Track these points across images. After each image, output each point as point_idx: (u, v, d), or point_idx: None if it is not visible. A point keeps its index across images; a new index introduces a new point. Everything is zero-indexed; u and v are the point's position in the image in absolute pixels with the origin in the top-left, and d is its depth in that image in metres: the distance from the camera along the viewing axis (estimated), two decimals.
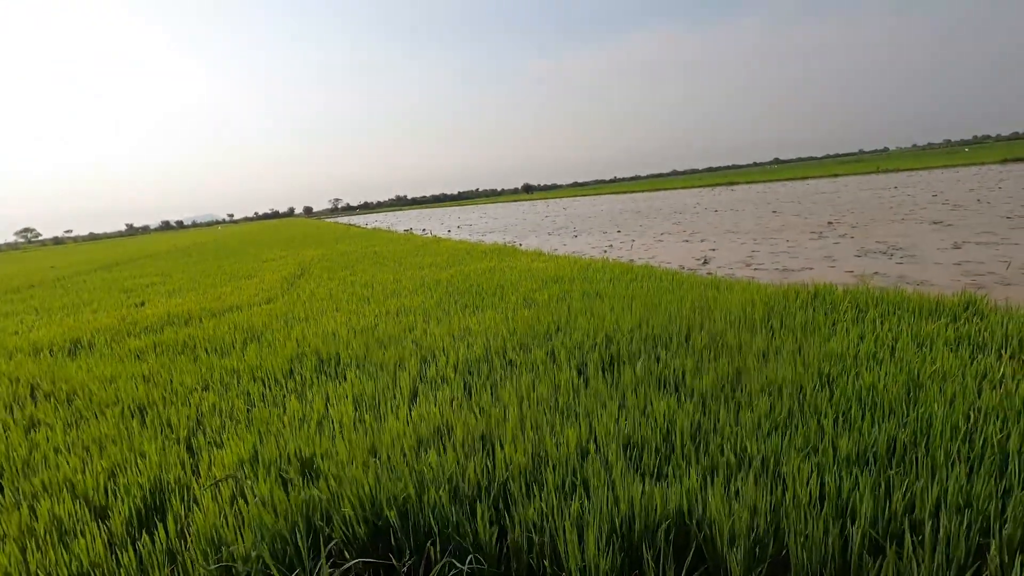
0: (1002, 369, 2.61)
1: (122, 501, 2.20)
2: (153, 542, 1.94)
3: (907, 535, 1.56)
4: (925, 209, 14.05)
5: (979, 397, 2.36)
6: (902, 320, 3.64)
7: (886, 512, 1.69)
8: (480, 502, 1.96)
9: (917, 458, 1.95)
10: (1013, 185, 19.06)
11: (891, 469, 1.93)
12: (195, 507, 2.11)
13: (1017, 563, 1.42)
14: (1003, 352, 2.90)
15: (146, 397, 3.48)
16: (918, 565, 1.48)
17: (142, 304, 7.87)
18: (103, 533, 2.03)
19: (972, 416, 2.19)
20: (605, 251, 11.91)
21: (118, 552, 1.95)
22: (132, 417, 3.20)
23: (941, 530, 1.56)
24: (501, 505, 1.98)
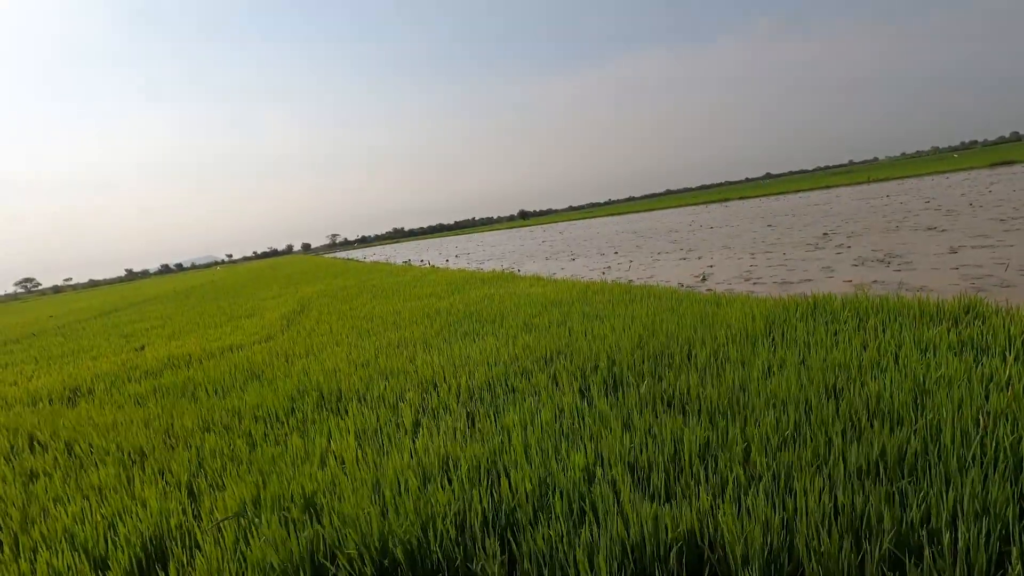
0: (1008, 371, 2.59)
1: (122, 551, 2.15)
2: None
3: (925, 547, 1.52)
4: (919, 216, 14.14)
5: (987, 401, 2.33)
6: (904, 327, 3.62)
7: (902, 524, 1.65)
8: (488, 534, 1.92)
9: (929, 466, 1.92)
10: (1003, 188, 19.23)
11: (903, 479, 1.90)
12: (197, 553, 2.06)
13: None
14: (1007, 354, 2.88)
15: (146, 442, 3.43)
16: None
17: (142, 348, 7.84)
18: None
19: (982, 420, 2.16)
20: (603, 273, 11.93)
21: None
22: (132, 464, 3.16)
23: (960, 540, 1.52)
24: (509, 535, 1.93)
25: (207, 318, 10.93)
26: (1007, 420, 2.13)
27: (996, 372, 2.61)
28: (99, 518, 2.44)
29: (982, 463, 1.91)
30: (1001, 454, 1.92)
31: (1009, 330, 3.21)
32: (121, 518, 2.43)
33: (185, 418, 3.79)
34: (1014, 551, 1.47)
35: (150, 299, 23.76)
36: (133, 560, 2.12)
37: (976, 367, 2.71)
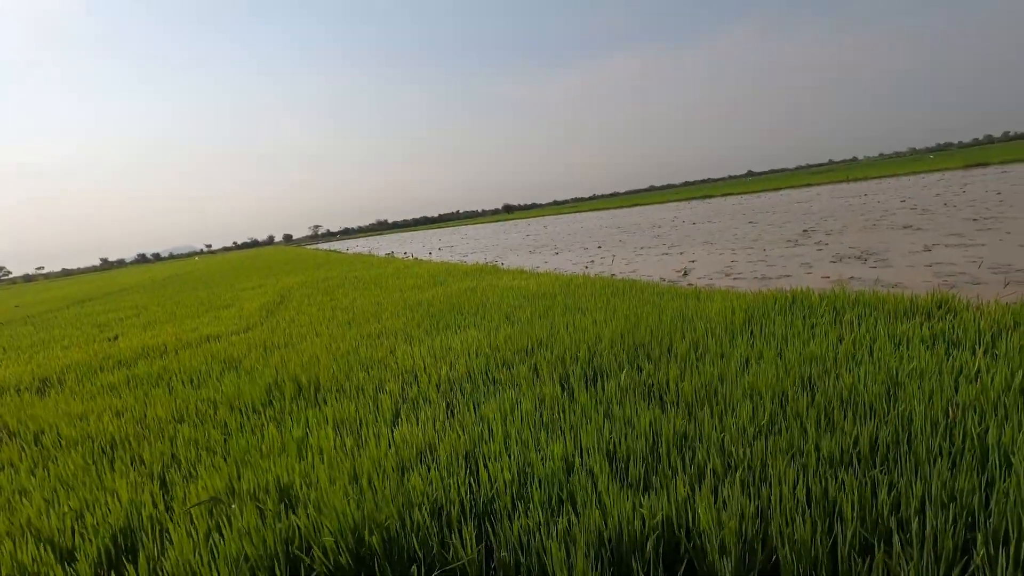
0: (977, 364, 2.65)
1: (90, 542, 2.10)
2: None
3: (895, 533, 1.55)
4: (895, 215, 14.41)
5: (956, 392, 2.39)
6: (878, 321, 3.69)
7: (873, 511, 1.68)
8: (465, 522, 1.91)
9: (900, 456, 1.95)
10: (976, 189, 19.70)
11: (875, 468, 1.94)
12: (168, 544, 2.02)
13: (1002, 556, 1.41)
14: (977, 347, 2.94)
15: (118, 432, 3.36)
16: (907, 563, 1.47)
17: (116, 338, 7.67)
18: None
19: (951, 411, 2.21)
20: (586, 267, 11.97)
21: None
22: (103, 454, 3.08)
23: (928, 526, 1.55)
24: (487, 524, 1.93)
25: (184, 308, 10.73)
26: (975, 411, 2.18)
27: (966, 365, 2.67)
28: (67, 509, 2.38)
29: (951, 453, 1.95)
30: (969, 444, 1.96)
31: (979, 325, 3.28)
32: (90, 509, 2.37)
33: (159, 408, 3.71)
34: (979, 537, 1.51)
35: (125, 289, 23.24)
36: (102, 552, 2.07)
37: (947, 360, 2.77)
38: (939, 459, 1.86)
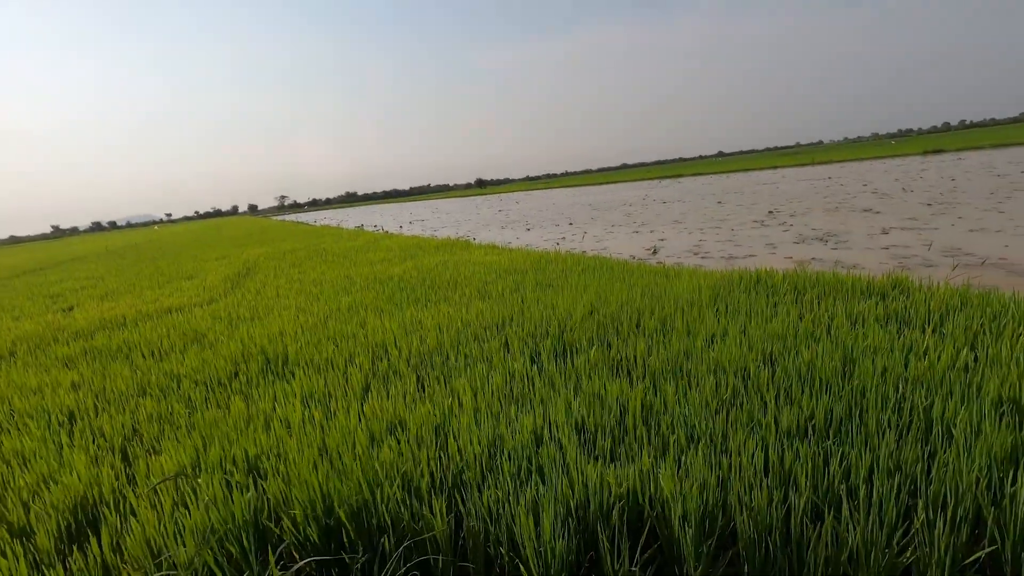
0: (926, 342, 2.79)
1: (49, 517, 2.05)
2: (85, 558, 1.82)
3: (844, 500, 1.64)
4: (856, 198, 14.86)
5: (906, 369, 2.51)
6: (837, 300, 3.83)
7: (825, 480, 1.78)
8: (435, 494, 1.94)
9: (852, 428, 2.06)
10: (933, 174, 20.43)
11: (828, 440, 2.03)
12: (132, 518, 1.99)
13: (939, 520, 1.51)
14: (927, 326, 3.09)
15: (76, 406, 3.26)
16: (854, 527, 1.56)
17: (71, 309, 7.37)
18: (28, 553, 1.89)
19: (900, 387, 2.33)
20: (558, 243, 12.01)
21: (45, 572, 1.82)
22: (60, 427, 2.99)
23: (875, 494, 1.65)
24: (456, 495, 1.96)
25: (144, 279, 10.36)
26: (922, 386, 2.31)
27: (916, 343, 2.81)
28: (22, 484, 2.31)
29: (898, 425, 2.07)
30: (915, 417, 2.08)
31: (929, 305, 3.44)
32: (47, 484, 2.31)
33: (119, 381, 3.61)
34: (920, 503, 1.61)
35: (80, 257, 22.27)
36: (62, 527, 2.02)
37: (899, 338, 2.91)
38: (887, 431, 1.96)
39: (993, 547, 1.55)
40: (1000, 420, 1.99)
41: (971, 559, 1.52)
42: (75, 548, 1.91)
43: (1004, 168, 19.69)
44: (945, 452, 1.83)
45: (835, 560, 1.54)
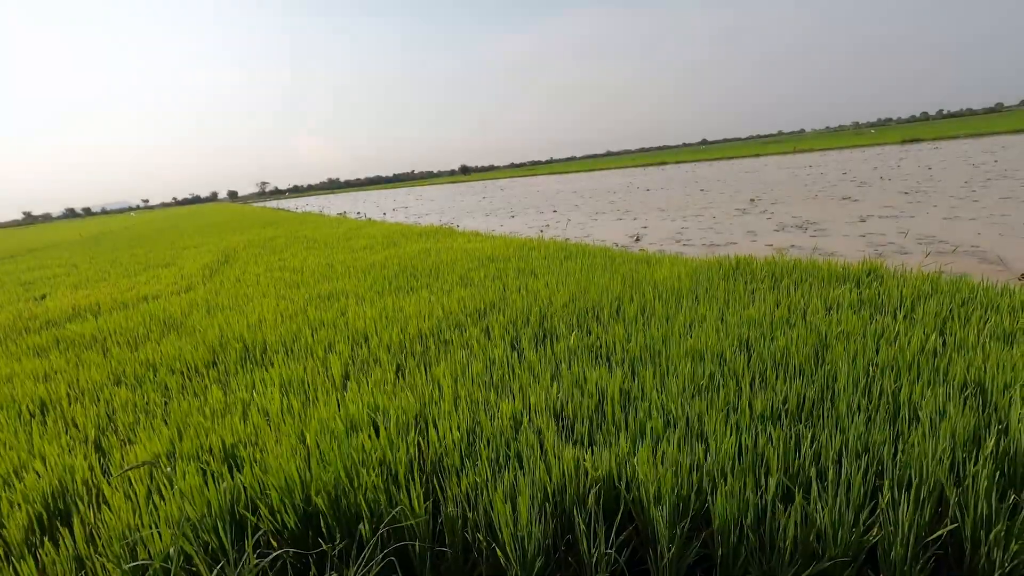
0: (896, 328, 2.85)
1: (18, 508, 2.02)
2: (57, 549, 1.80)
3: (814, 482, 1.68)
4: (836, 186, 15.06)
5: (877, 354, 2.57)
6: (813, 287, 3.89)
7: (795, 462, 1.82)
8: (413, 481, 1.94)
9: (824, 412, 2.10)
10: (910, 164, 20.77)
11: (800, 423, 2.08)
12: (105, 508, 1.96)
13: (904, 499, 1.56)
14: (898, 312, 3.16)
15: (48, 396, 3.19)
16: (823, 508, 1.60)
17: (43, 297, 7.20)
18: None
19: (871, 371, 2.38)
20: (541, 231, 12.01)
21: (15, 564, 1.79)
22: (32, 418, 2.93)
23: (843, 474, 1.69)
24: (435, 482, 1.96)
25: (119, 267, 10.15)
26: (892, 371, 2.36)
27: (887, 328, 2.87)
28: None
29: (867, 408, 2.12)
30: (884, 400, 2.13)
31: (902, 291, 3.52)
32: (17, 475, 2.27)
33: (92, 371, 3.54)
34: (886, 483, 1.66)
35: (53, 245, 21.71)
36: (33, 518, 1.99)
37: (871, 323, 2.97)
38: (857, 415, 2.01)
39: (955, 525, 1.60)
40: (964, 403, 2.05)
41: (933, 536, 1.57)
42: (46, 540, 1.88)
43: (979, 158, 20.10)
44: (911, 434, 1.88)
45: (804, 539, 1.58)
